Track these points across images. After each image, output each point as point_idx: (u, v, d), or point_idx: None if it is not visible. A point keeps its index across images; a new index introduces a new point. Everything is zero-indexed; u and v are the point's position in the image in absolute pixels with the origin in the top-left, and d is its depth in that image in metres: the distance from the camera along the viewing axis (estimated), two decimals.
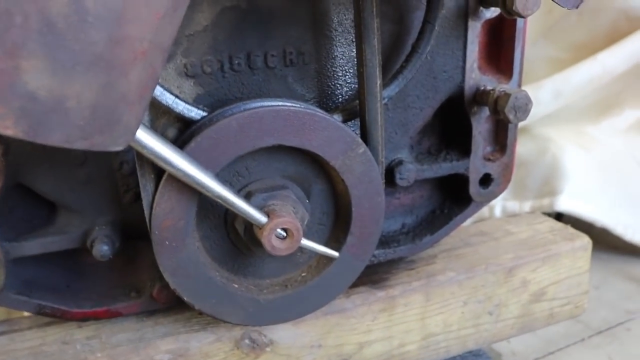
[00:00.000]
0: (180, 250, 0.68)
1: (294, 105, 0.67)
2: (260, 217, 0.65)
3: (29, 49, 0.45)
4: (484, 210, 1.66)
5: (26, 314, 1.05)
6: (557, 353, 1.28)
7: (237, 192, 0.68)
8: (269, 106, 0.65)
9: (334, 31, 0.75)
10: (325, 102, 0.77)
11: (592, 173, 1.62)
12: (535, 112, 1.53)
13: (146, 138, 0.58)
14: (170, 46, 0.54)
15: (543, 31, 1.69)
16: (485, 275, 0.93)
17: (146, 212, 0.66)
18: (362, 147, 0.70)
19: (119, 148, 0.54)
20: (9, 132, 0.47)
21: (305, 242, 0.68)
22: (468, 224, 1.07)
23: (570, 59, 1.65)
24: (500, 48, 0.86)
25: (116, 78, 0.50)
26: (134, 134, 0.55)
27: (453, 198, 0.94)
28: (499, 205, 1.66)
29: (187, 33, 0.68)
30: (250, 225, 0.68)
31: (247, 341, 0.80)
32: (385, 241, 0.90)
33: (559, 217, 1.51)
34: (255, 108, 0.65)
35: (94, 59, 0.48)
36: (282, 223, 0.65)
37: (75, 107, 0.48)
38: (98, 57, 0.48)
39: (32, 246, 0.74)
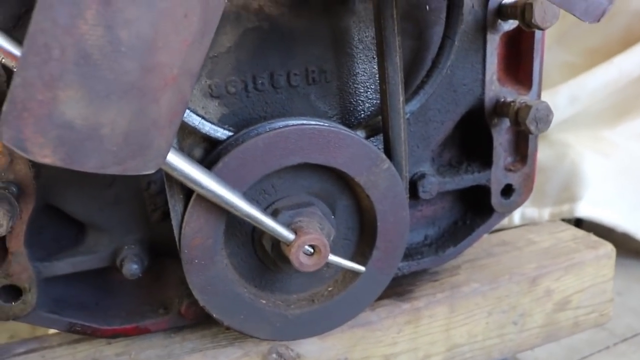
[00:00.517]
0: (209, 268, 0.69)
1: (318, 123, 0.69)
2: (288, 235, 0.66)
3: (66, 80, 0.46)
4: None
5: (52, 330, 1.07)
6: None
7: (264, 209, 0.69)
8: (293, 125, 0.67)
9: (354, 49, 0.76)
10: (348, 118, 0.78)
11: (611, 178, 1.61)
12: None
13: (176, 160, 0.59)
14: (199, 72, 0.55)
15: (557, 37, 1.69)
16: (509, 286, 0.93)
17: (175, 232, 0.68)
18: (387, 163, 0.71)
19: (151, 171, 0.55)
20: (47, 160, 0.48)
21: (333, 258, 0.69)
22: (489, 232, 1.07)
23: (585, 64, 1.65)
24: (519, 60, 0.87)
25: (148, 104, 0.51)
26: (165, 157, 0.56)
27: (475, 209, 0.94)
28: (517, 212, 1.65)
29: (211, 55, 0.70)
30: (277, 242, 0.69)
31: (274, 355, 0.81)
32: (408, 253, 0.90)
33: (579, 223, 1.50)
34: (280, 127, 0.66)
35: (127, 87, 0.49)
36: (310, 240, 0.65)
37: (109, 134, 0.50)
38: (131, 85, 0.49)
39: (63, 266, 0.75)
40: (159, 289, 0.83)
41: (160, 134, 0.53)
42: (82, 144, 0.49)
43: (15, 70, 0.46)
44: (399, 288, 0.91)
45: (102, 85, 0.48)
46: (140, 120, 0.51)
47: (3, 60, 0.52)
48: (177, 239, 0.68)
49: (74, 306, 0.79)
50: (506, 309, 0.94)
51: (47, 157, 0.48)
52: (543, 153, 1.64)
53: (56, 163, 0.48)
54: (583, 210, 1.56)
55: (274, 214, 0.69)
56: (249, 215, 0.64)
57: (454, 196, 0.94)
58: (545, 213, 1.62)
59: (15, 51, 0.51)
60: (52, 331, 1.05)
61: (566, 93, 1.59)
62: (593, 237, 1.06)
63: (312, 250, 0.67)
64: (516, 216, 1.65)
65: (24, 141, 0.47)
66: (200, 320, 0.82)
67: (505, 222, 1.64)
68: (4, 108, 0.46)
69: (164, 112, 0.52)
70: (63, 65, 0.46)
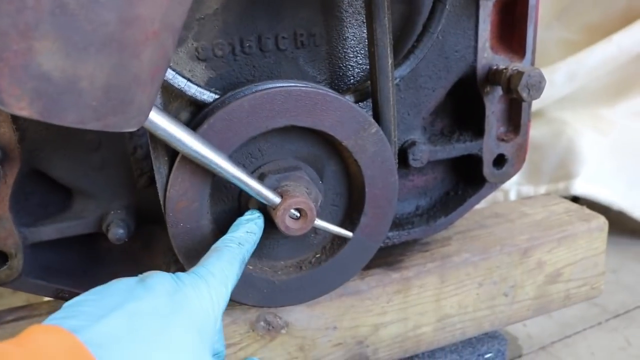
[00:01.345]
0: (194, 232, 0.68)
1: (305, 85, 0.68)
2: (274, 198, 0.65)
3: (42, 30, 0.45)
4: (499, 195, 1.66)
5: (44, 299, 1.07)
6: (574, 336, 1.28)
7: (251, 173, 0.68)
8: (280, 87, 0.66)
9: (344, 12, 0.75)
10: (337, 83, 0.77)
11: (607, 156, 1.61)
12: (549, 95, 1.53)
13: (159, 120, 0.58)
14: (181, 27, 0.54)
15: (556, 13, 1.68)
16: (500, 257, 0.93)
17: (160, 194, 0.67)
18: (375, 127, 0.70)
19: (132, 129, 0.54)
20: (24, 112, 0.47)
21: (319, 223, 0.68)
22: (482, 206, 1.07)
23: (584, 41, 1.63)
24: (513, 27, 0.86)
25: (128, 58, 0.50)
26: (147, 115, 0.55)
27: (467, 179, 0.94)
28: (513, 189, 1.65)
29: (197, 17, 0.68)
30: (264, 207, 0.68)
31: (262, 323, 0.81)
32: (399, 223, 0.90)
33: (575, 200, 1.50)
34: (266, 89, 0.65)
35: (105, 40, 0.48)
36: (296, 203, 0.65)
37: (88, 88, 0.49)
38: (110, 37, 0.48)
39: (49, 231, 0.74)
40: (147, 257, 0.83)
41: (142, 90, 0.52)
42: (60, 97, 0.48)
43: None
44: (389, 258, 0.90)
45: (79, 37, 0.47)
46: (120, 75, 0.50)
47: None
48: (162, 202, 0.67)
49: (62, 273, 0.79)
50: (497, 280, 0.94)
51: (24, 109, 0.47)
52: (540, 130, 1.63)
53: (33, 116, 0.48)
54: (579, 187, 1.56)
55: (261, 178, 0.68)
56: (234, 178, 0.63)
57: (445, 166, 0.93)
58: (541, 190, 1.62)
59: None
60: (44, 300, 1.06)
61: (564, 70, 1.58)
62: (586, 210, 1.05)
63: (298, 214, 0.66)
64: (512, 193, 1.65)
65: (0, 92, 0.46)
66: None
67: (500, 199, 1.64)
68: None
69: (145, 68, 0.51)
70: (38, 14, 0.45)
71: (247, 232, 0.65)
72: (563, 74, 1.59)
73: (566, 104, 1.64)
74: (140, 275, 0.57)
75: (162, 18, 0.51)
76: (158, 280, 0.54)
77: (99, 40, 0.48)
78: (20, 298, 1.56)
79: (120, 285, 0.54)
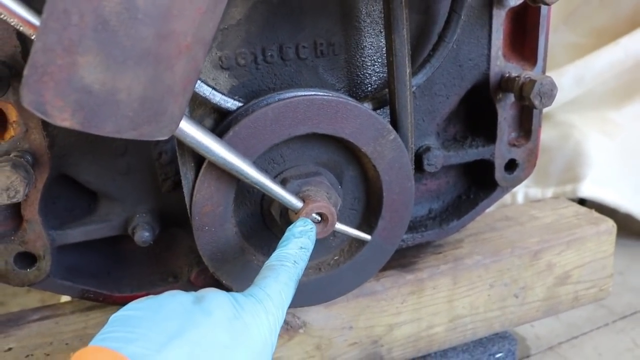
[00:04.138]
0: (219, 235, 0.71)
1: (326, 94, 0.70)
2: (296, 202, 0.68)
3: (85, 45, 0.48)
4: (507, 198, 1.68)
5: (63, 299, 1.09)
6: (581, 337, 1.29)
7: (273, 179, 0.70)
8: (302, 96, 0.68)
9: (362, 22, 0.77)
10: (355, 91, 0.80)
11: (615, 159, 1.62)
12: (557, 98, 1.54)
13: (188, 128, 0.61)
14: (211, 40, 0.56)
15: (564, 17, 1.69)
16: (511, 259, 0.95)
17: (187, 199, 0.69)
18: (393, 134, 0.72)
19: (164, 137, 0.56)
20: (66, 124, 0.50)
21: (339, 226, 0.71)
22: (492, 209, 1.09)
23: (591, 45, 1.65)
24: (525, 35, 0.88)
25: (163, 71, 0.53)
26: (178, 124, 0.58)
27: (478, 184, 0.96)
28: (521, 192, 1.67)
29: (221, 27, 0.71)
30: (285, 211, 0.70)
31: None
32: (413, 226, 0.92)
33: (582, 203, 1.52)
34: (289, 98, 0.68)
35: (143, 54, 0.50)
36: (317, 207, 0.67)
37: (125, 99, 0.51)
38: (147, 51, 0.51)
39: (76, 234, 0.77)
40: (169, 258, 0.86)
41: (174, 101, 0.55)
42: (99, 108, 0.50)
43: (35, 35, 0.48)
44: (403, 260, 0.93)
45: (119, 51, 0.49)
46: (155, 87, 0.53)
47: (21, 28, 0.53)
48: (188, 206, 0.69)
49: (87, 274, 0.82)
50: (508, 282, 0.96)
51: (66, 120, 0.50)
52: (547, 134, 1.65)
53: (75, 127, 0.50)
54: (586, 190, 1.57)
55: (283, 183, 0.71)
56: (258, 183, 0.66)
57: (458, 171, 0.96)
58: (549, 193, 1.63)
59: (34, 20, 0.53)
60: (63, 299, 1.08)
61: (572, 73, 1.60)
62: (594, 214, 1.07)
63: (319, 218, 0.69)
64: (519, 196, 1.67)
65: (44, 105, 0.48)
66: None
67: (508, 202, 1.66)
68: (25, 72, 0.47)
69: (178, 79, 0.54)
70: (82, 30, 0.47)
71: (301, 247, 0.63)
72: (570, 77, 1.60)
73: (573, 107, 1.65)
74: (195, 294, 0.56)
75: (194, 32, 0.53)
76: (217, 304, 0.54)
77: (137, 54, 0.50)
78: (33, 298, 1.59)
79: (177, 306, 0.53)
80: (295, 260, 0.61)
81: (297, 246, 0.63)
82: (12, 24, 0.53)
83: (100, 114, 0.51)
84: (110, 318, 0.51)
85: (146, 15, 0.49)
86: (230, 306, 0.54)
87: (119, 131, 0.53)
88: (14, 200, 0.65)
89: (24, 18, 0.52)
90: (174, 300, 0.54)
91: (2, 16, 0.53)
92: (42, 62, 0.47)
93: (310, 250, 0.65)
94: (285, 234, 0.64)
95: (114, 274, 0.84)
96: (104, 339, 0.48)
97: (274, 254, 0.62)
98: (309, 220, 0.67)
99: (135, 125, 0.53)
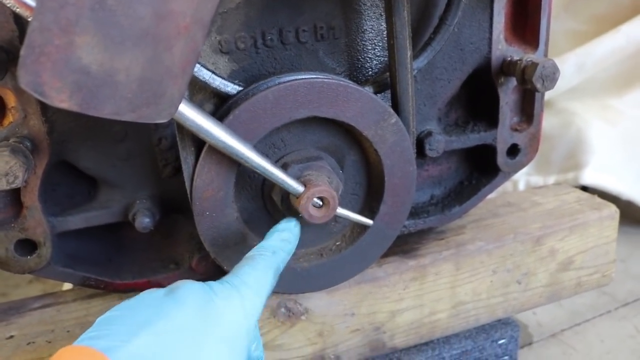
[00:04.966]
0: (220, 220, 0.70)
1: (327, 77, 0.69)
2: (298, 187, 0.67)
3: (82, 25, 0.47)
4: (508, 186, 1.68)
5: (65, 287, 1.09)
6: (583, 324, 1.30)
7: (274, 163, 0.70)
8: (303, 79, 0.67)
9: (362, 5, 0.76)
10: (356, 75, 0.79)
11: (616, 146, 1.62)
12: (558, 85, 1.53)
13: (188, 111, 0.60)
14: (210, 22, 0.55)
15: (564, 4, 1.69)
16: (513, 245, 0.95)
17: (187, 184, 0.69)
18: (394, 117, 0.72)
19: (164, 120, 0.56)
20: (64, 105, 0.49)
21: (341, 211, 0.70)
22: (494, 195, 1.08)
23: (592, 32, 1.64)
24: (526, 19, 0.87)
25: (161, 52, 0.52)
26: (177, 106, 0.57)
27: (480, 169, 0.96)
28: (522, 179, 1.67)
29: (220, 10, 0.70)
30: (287, 195, 0.70)
31: (283, 310, 0.83)
32: (414, 212, 0.92)
33: (584, 190, 1.51)
34: (290, 81, 0.67)
35: (141, 34, 0.50)
36: (319, 192, 0.67)
37: (124, 81, 0.51)
38: (145, 31, 0.50)
39: (77, 220, 0.77)
40: (169, 245, 0.85)
41: (173, 83, 0.54)
42: (98, 89, 0.50)
43: (32, 15, 0.47)
44: (405, 246, 0.92)
45: (117, 31, 0.49)
46: (154, 68, 0.52)
47: (17, 10, 0.53)
48: (188, 191, 0.69)
49: (87, 262, 0.81)
50: (510, 268, 0.96)
51: (64, 101, 0.49)
52: (549, 121, 1.64)
53: (73, 108, 0.50)
54: (588, 177, 1.57)
55: (284, 168, 0.70)
56: (259, 167, 0.65)
57: (459, 156, 0.95)
58: (550, 181, 1.63)
59: (30, 1, 0.52)
60: (65, 288, 1.08)
61: (573, 61, 1.59)
62: (597, 199, 1.07)
63: (321, 203, 0.68)
64: (521, 184, 1.66)
65: (42, 85, 0.48)
66: (210, 275, 0.84)
67: (509, 189, 1.66)
68: (22, 52, 0.47)
69: (177, 61, 0.53)
70: (79, 9, 0.47)
71: (282, 239, 0.64)
72: (572, 64, 1.60)
73: (575, 94, 1.65)
74: (170, 286, 0.56)
75: (193, 13, 0.53)
76: (188, 292, 0.54)
77: (135, 34, 0.50)
78: (35, 288, 1.59)
79: (149, 300, 0.53)
80: (275, 251, 0.62)
81: (278, 238, 0.64)
82: (8, 5, 0.52)
83: (98, 95, 0.50)
84: (96, 321, 0.52)
85: None
86: (202, 293, 0.54)
87: (118, 113, 0.52)
88: (13, 185, 0.65)
89: (21, 1, 0.52)
90: (149, 296, 0.54)
91: None
92: (39, 42, 0.46)
93: (293, 244, 0.66)
94: (269, 231, 0.66)
95: (115, 261, 0.84)
96: (82, 339, 0.49)
97: (255, 247, 0.63)
98: (294, 218, 0.69)
99: (134, 107, 0.53)
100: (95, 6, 0.47)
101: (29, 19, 0.52)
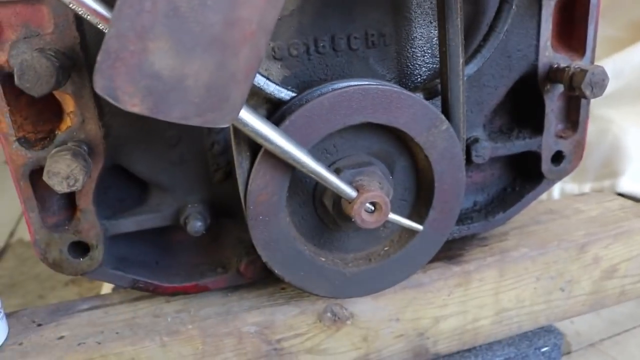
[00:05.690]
0: (272, 224, 0.71)
1: (380, 84, 0.70)
2: (351, 192, 0.68)
3: (156, 31, 0.48)
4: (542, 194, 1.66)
5: (104, 290, 1.11)
6: (623, 334, 1.27)
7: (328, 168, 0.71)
8: (357, 85, 0.68)
9: (413, 13, 0.77)
10: (405, 82, 0.79)
11: None
12: None
13: (247, 116, 0.61)
14: (273, 29, 0.57)
15: (601, 10, 1.67)
16: (557, 252, 0.94)
17: (241, 188, 0.70)
18: (445, 124, 0.72)
19: (226, 125, 0.57)
20: (136, 109, 0.51)
21: (392, 216, 0.71)
22: (534, 203, 1.08)
23: (629, 38, 1.63)
24: (573, 26, 0.87)
25: (228, 58, 0.53)
26: (239, 112, 0.58)
27: (524, 176, 0.96)
28: (557, 187, 1.65)
29: None
30: (338, 200, 0.71)
31: (329, 314, 0.84)
32: (459, 218, 0.91)
33: None
34: (344, 87, 0.68)
35: (210, 40, 0.51)
36: (372, 197, 0.67)
37: (193, 86, 0.52)
38: (214, 38, 0.51)
39: (128, 224, 0.78)
40: (217, 249, 0.86)
41: (237, 88, 0.55)
42: (168, 94, 0.51)
43: (110, 22, 0.49)
44: (449, 252, 0.92)
45: (188, 37, 0.50)
46: (220, 73, 0.53)
47: (88, 17, 0.55)
48: (242, 196, 0.70)
49: (136, 264, 0.83)
50: (554, 275, 0.95)
51: (135, 106, 0.50)
52: None
53: (143, 112, 0.51)
54: (624, 185, 1.55)
55: (336, 173, 0.71)
56: (315, 172, 0.66)
57: (503, 163, 0.95)
58: (586, 189, 1.61)
59: (102, 10, 0.54)
60: (105, 289, 1.10)
61: (610, 68, 1.57)
62: None
63: (373, 208, 0.69)
64: (555, 192, 1.65)
65: (115, 90, 0.49)
66: (257, 279, 0.85)
67: (544, 198, 1.64)
68: (98, 58, 0.48)
69: (242, 66, 0.55)
70: (154, 17, 0.48)
71: None
72: (609, 71, 1.56)
73: (612, 101, 1.63)
74: None
75: (258, 20, 0.54)
76: None
77: (205, 40, 0.51)
78: (71, 292, 1.61)
79: None
80: None
81: None
82: (80, 13, 0.54)
83: (168, 100, 0.51)
84: None
85: (215, 2, 0.50)
86: None
87: (185, 117, 0.53)
88: (73, 188, 0.66)
89: (93, 9, 0.53)
90: None
91: (70, 5, 0.54)
92: (115, 48, 0.48)
93: None
94: None
95: (163, 264, 0.85)
96: None
97: None
98: None
99: (200, 112, 0.54)
100: (170, 13, 0.48)
101: (100, 27, 0.53)
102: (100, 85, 0.49)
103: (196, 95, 0.53)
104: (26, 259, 1.74)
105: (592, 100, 1.61)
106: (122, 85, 0.49)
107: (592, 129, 1.61)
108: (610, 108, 1.63)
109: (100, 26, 0.54)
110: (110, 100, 0.50)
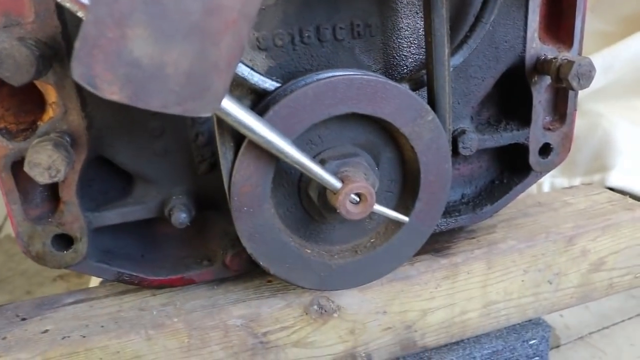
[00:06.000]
0: (257, 215, 0.71)
1: (365, 74, 0.70)
2: (335, 182, 0.67)
3: (135, 18, 0.48)
4: (532, 187, 1.66)
5: (93, 284, 1.10)
6: (612, 327, 1.28)
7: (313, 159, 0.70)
8: (342, 75, 0.68)
9: (398, 3, 0.77)
10: (391, 72, 0.79)
11: None
12: None
13: (230, 106, 0.61)
14: (255, 17, 0.56)
15: (591, 5, 1.67)
16: (545, 244, 0.94)
17: (225, 179, 0.69)
18: (431, 115, 0.72)
19: (208, 114, 0.56)
20: (115, 97, 0.50)
21: (378, 207, 0.70)
22: (523, 196, 1.08)
23: (619, 33, 1.63)
24: (561, 17, 0.87)
25: (209, 46, 0.52)
26: (221, 101, 0.57)
27: (512, 168, 0.95)
28: (547, 181, 1.66)
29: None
30: (324, 191, 0.70)
31: (315, 307, 0.83)
32: (446, 211, 0.91)
33: None
34: (328, 77, 0.67)
35: (190, 28, 0.50)
36: (357, 188, 0.67)
37: (172, 74, 0.51)
38: (194, 25, 0.51)
39: (112, 216, 0.77)
40: (203, 242, 0.86)
41: (218, 77, 0.55)
42: (147, 82, 0.50)
43: (87, 8, 0.48)
44: (436, 244, 0.92)
45: (167, 25, 0.49)
46: (201, 62, 0.53)
47: (67, 4, 0.54)
48: (226, 186, 0.69)
49: (121, 257, 0.82)
50: (542, 268, 0.95)
51: (114, 94, 0.50)
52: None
53: (123, 100, 0.50)
54: (614, 179, 1.55)
55: (321, 164, 0.70)
56: (299, 163, 0.65)
57: (490, 155, 0.95)
58: (576, 183, 1.62)
59: None
60: (92, 284, 1.09)
61: (600, 62, 1.58)
62: (629, 200, 1.06)
63: (358, 199, 0.68)
64: (545, 186, 1.65)
65: (94, 78, 0.49)
66: (243, 272, 0.84)
67: (534, 192, 1.64)
68: (76, 45, 0.48)
69: (223, 55, 0.54)
70: (132, 3, 0.47)
71: None
72: (598, 65, 1.56)
73: (601, 96, 1.63)
74: None
75: (240, 8, 0.53)
76: None
77: (185, 28, 0.50)
78: (59, 287, 1.61)
79: None
80: None
81: None
82: (59, 1, 0.53)
83: (148, 88, 0.51)
84: None
85: None
86: None
87: (166, 106, 0.53)
88: (55, 179, 0.65)
89: None
90: None
91: None
92: (93, 35, 0.47)
93: None
94: None
95: (148, 257, 0.85)
96: None
97: None
98: None
99: (180, 101, 0.53)
100: (148, 0, 0.48)
101: (79, 14, 0.53)
102: (78, 72, 0.48)
103: (176, 83, 0.52)
104: (14, 255, 1.73)
105: (582, 95, 1.61)
106: (101, 72, 0.49)
107: (582, 123, 1.62)
108: (600, 102, 1.64)
109: (79, 14, 0.54)
110: (89, 88, 0.49)
